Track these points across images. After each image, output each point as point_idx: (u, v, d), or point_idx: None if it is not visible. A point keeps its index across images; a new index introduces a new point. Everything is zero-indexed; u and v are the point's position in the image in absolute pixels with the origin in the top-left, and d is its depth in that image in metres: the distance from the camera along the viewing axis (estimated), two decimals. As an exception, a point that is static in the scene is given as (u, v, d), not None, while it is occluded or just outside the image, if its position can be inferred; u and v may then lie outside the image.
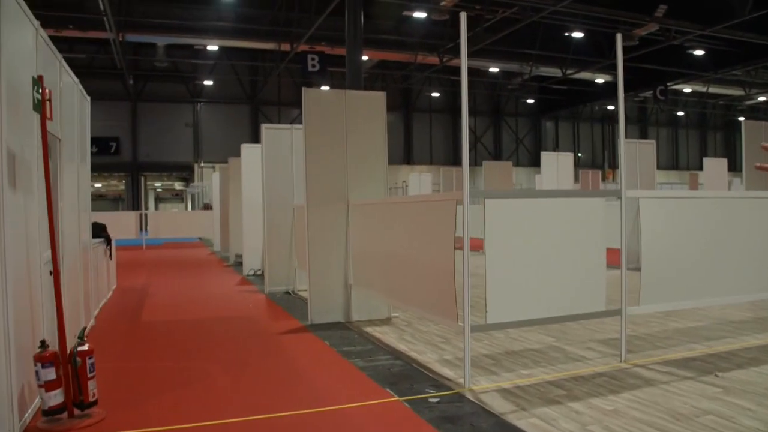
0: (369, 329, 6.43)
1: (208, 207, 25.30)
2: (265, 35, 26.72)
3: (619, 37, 4.93)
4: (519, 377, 4.49)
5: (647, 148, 11.52)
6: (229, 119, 35.63)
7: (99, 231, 8.77)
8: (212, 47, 29.19)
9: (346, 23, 20.51)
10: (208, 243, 21.50)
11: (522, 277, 4.41)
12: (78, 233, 6.06)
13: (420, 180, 20.55)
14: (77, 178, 6.09)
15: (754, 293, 5.57)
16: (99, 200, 48.22)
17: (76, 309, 5.79)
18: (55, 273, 3.88)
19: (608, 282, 4.80)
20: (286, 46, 26.28)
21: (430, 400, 4.01)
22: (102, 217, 20.42)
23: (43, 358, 3.72)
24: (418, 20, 25.47)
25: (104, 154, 33.72)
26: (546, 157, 13.64)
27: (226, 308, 8.30)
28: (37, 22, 4.31)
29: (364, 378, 4.58)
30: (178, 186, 43.65)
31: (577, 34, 25.11)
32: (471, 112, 38.88)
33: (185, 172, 37.21)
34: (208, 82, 34.99)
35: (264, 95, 35.84)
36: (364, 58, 31.56)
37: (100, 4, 20.83)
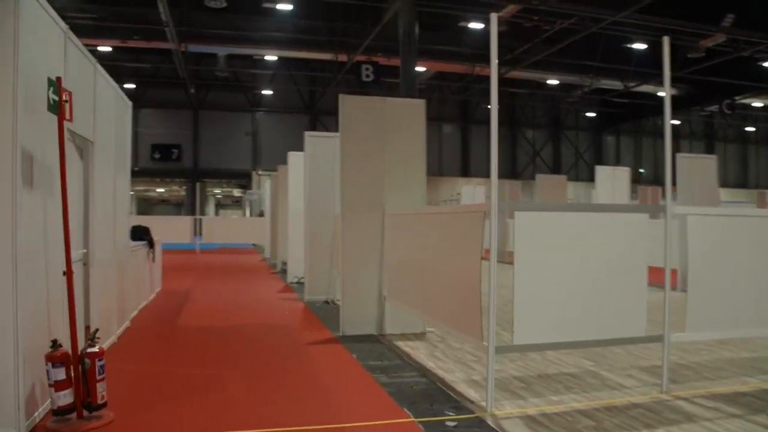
0: (401, 343, 6.23)
1: (262, 214, 25.62)
2: (323, 46, 26.98)
3: (665, 40, 4.64)
4: (547, 403, 4.21)
5: (708, 164, 10.92)
6: (288, 128, 35.98)
7: (141, 234, 8.87)
8: (271, 57, 29.63)
9: (400, 34, 20.47)
10: (261, 249, 21.69)
11: (553, 296, 4.14)
12: (112, 235, 6.08)
13: (474, 192, 20.22)
14: (113, 181, 6.12)
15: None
16: (162, 205, 49.65)
17: (108, 310, 5.81)
18: (68, 274, 3.84)
19: (652, 304, 4.47)
20: (343, 57, 26.43)
21: (447, 423, 3.78)
22: (158, 221, 20.89)
23: (54, 358, 3.68)
24: (475, 31, 25.21)
25: (167, 160, 34.66)
26: (601, 171, 13.16)
27: (263, 315, 8.24)
28: (65, 26, 4.32)
29: (384, 395, 4.38)
30: (236, 193, 44.43)
31: (639, 46, 24.32)
32: (530, 125, 38.27)
33: (244, 180, 37.79)
34: (267, 92, 35.50)
35: (322, 105, 36.07)
36: (421, 69, 31.64)
37: (162, 15, 21.37)
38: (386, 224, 6.64)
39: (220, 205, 51.83)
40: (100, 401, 3.80)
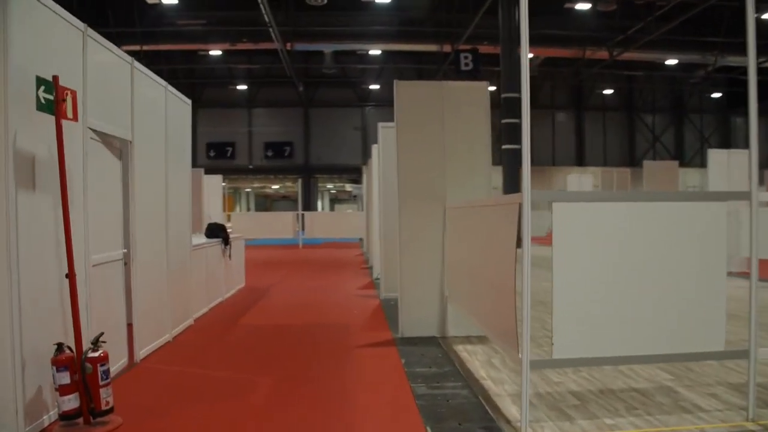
0: (460, 347, 5.75)
1: (369, 208, 25.68)
2: (426, 37, 26.61)
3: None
4: (597, 428, 3.60)
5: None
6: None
7: (217, 231, 8.89)
8: (375, 52, 29.60)
9: (500, 19, 19.67)
10: (363, 244, 21.70)
11: (599, 302, 3.52)
12: (164, 234, 6.01)
13: (580, 181, 19.11)
14: (164, 180, 6.05)
15: None
16: (282, 201, 51.20)
17: (156, 309, 5.75)
18: (71, 277, 3.70)
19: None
20: (447, 47, 25.88)
21: (466, 447, 3.31)
22: (263, 217, 21.61)
23: (58, 362, 3.57)
24: (584, 13, 23.84)
25: (280, 157, 35.59)
26: (714, 155, 11.85)
27: (331, 314, 7.99)
28: (83, 25, 4.21)
29: (412, 409, 3.95)
30: (348, 188, 45.00)
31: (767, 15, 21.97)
32: (649, 110, 35.86)
33: (354, 174, 38.15)
34: (374, 86, 35.56)
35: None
36: (530, 55, 30.43)
37: (265, 17, 21.80)
38: (447, 218, 6.18)
39: (337, 200, 52.76)
40: (104, 407, 3.65)
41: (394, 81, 6.36)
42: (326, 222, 23.72)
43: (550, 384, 4.47)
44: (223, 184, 40.69)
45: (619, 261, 3.55)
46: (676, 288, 3.61)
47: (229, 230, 9.82)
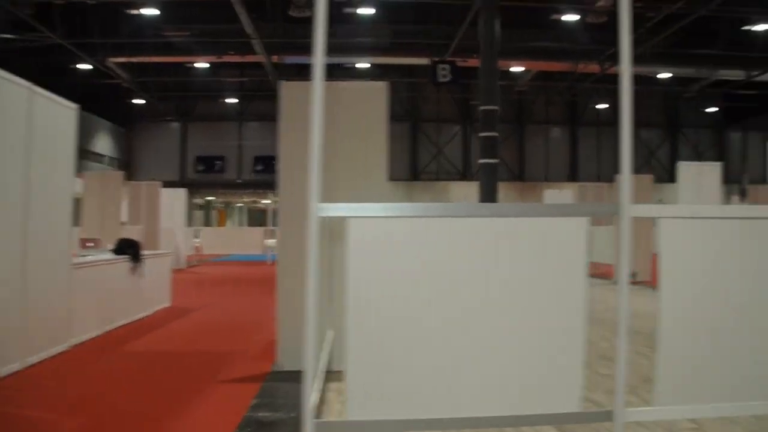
0: (334, 384, 5.02)
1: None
2: (415, 50, 26.00)
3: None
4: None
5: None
6: (390, 136, 35.27)
7: (125, 248, 8.23)
8: (363, 65, 29.07)
9: (479, 31, 19.07)
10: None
11: (397, 344, 2.79)
12: (19, 248, 5.34)
13: (559, 197, 18.39)
14: (17, 191, 5.38)
15: None
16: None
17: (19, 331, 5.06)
18: None
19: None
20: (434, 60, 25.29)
21: None
22: (235, 232, 20.92)
23: None
24: (574, 25, 23.16)
25: (270, 171, 34.55)
26: (684, 168, 11.14)
27: (233, 339, 7.26)
28: None
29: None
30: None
31: (761, 27, 21.19)
32: (642, 125, 35.14)
33: (347, 190, 37.57)
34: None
35: (424, 113, 35.14)
36: (520, 69, 29.82)
37: (246, 28, 21.46)
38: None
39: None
40: None
41: (279, 82, 5.72)
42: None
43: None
44: (211, 198, 40.35)
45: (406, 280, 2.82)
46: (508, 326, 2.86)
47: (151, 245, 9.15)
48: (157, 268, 9.21)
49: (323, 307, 5.37)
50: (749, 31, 21.59)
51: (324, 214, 2.83)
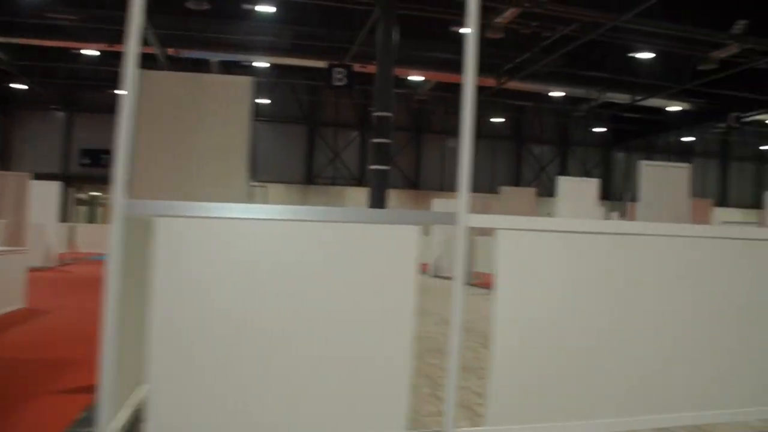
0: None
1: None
2: (317, 52, 25.62)
3: None
4: None
5: (679, 174, 9.20)
6: (286, 139, 34.73)
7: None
8: (261, 64, 28.42)
9: (377, 39, 19.00)
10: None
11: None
12: None
13: (446, 206, 18.59)
14: None
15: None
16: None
17: None
18: None
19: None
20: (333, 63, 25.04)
21: None
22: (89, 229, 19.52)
23: None
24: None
25: (96, 165, 32.65)
26: (564, 182, 11.45)
27: (82, 347, 6.66)
28: None
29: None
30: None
31: (646, 55, 22.43)
32: (537, 140, 36.42)
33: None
34: (265, 101, 34.26)
35: (322, 116, 34.84)
36: (420, 78, 30.15)
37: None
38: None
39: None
40: None
41: (141, 71, 5.24)
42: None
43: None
44: (97, 194, 38.20)
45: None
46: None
47: None
48: (7, 266, 8.40)
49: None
50: (634, 58, 22.73)
51: (134, 212, 2.45)
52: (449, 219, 2.86)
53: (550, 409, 2.80)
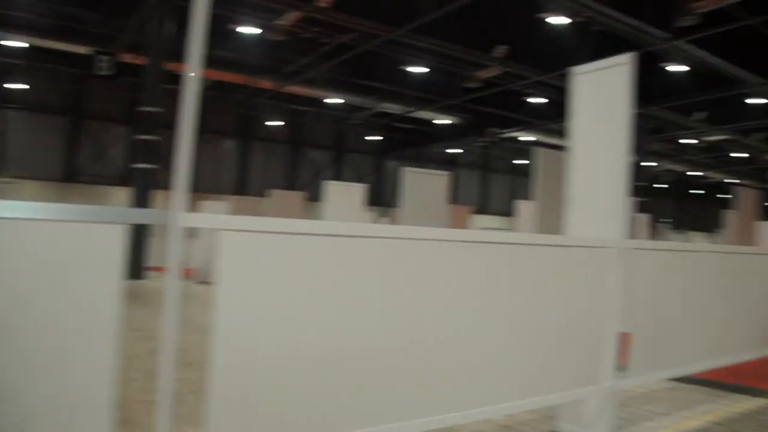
0: None
1: None
2: (78, 37, 23.24)
3: None
4: None
5: (438, 181, 9.88)
6: (44, 131, 31.14)
7: None
8: (16, 43, 25.12)
9: (147, 28, 17.78)
10: None
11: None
12: None
13: (214, 208, 17.95)
14: None
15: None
16: None
17: None
18: None
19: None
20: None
21: None
22: None
23: None
24: (251, 37, 23.02)
25: None
26: (330, 187, 11.67)
27: None
28: None
29: None
30: None
31: (418, 69, 23.77)
32: (315, 146, 36.80)
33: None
34: (20, 86, 30.37)
35: (88, 109, 31.83)
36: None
37: None
38: None
39: None
40: None
41: None
42: None
43: None
44: None
45: None
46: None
47: None
48: None
49: None
50: (408, 71, 23.95)
51: None
52: (161, 218, 2.56)
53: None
